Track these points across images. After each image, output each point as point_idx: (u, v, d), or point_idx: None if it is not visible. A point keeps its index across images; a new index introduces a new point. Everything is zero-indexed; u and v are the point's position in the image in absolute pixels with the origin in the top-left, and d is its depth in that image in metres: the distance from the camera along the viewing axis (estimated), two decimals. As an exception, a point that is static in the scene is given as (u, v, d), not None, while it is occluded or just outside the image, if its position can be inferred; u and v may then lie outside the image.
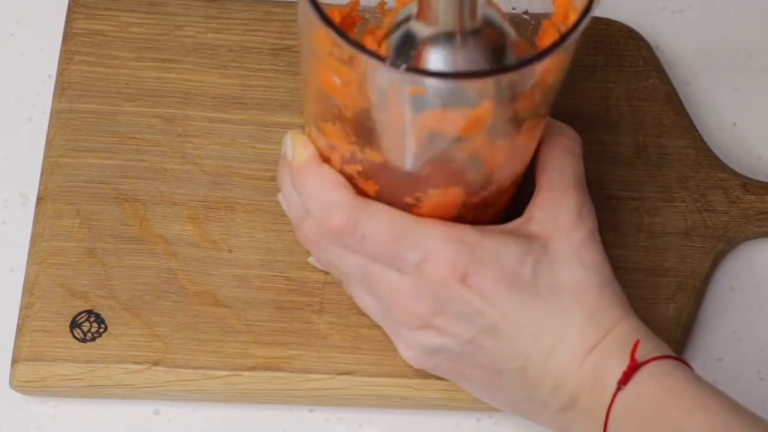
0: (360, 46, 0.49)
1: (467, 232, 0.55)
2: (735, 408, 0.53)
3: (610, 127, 0.67)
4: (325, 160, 0.57)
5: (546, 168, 0.58)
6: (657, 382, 0.54)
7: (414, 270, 0.55)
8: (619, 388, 0.54)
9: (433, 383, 0.62)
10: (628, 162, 0.66)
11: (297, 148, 0.57)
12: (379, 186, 0.56)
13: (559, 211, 0.57)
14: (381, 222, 0.55)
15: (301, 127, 0.59)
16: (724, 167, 0.67)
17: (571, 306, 0.56)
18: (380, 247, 0.55)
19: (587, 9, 0.51)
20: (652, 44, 0.70)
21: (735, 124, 0.70)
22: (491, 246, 0.55)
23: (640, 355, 0.54)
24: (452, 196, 0.56)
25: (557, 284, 0.56)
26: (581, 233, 0.57)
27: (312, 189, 0.56)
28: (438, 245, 0.55)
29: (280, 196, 0.61)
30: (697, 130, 0.68)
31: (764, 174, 0.68)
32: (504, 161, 0.56)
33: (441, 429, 0.63)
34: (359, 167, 0.55)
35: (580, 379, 0.55)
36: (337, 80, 0.52)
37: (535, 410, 0.57)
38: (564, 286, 0.56)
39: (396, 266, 0.56)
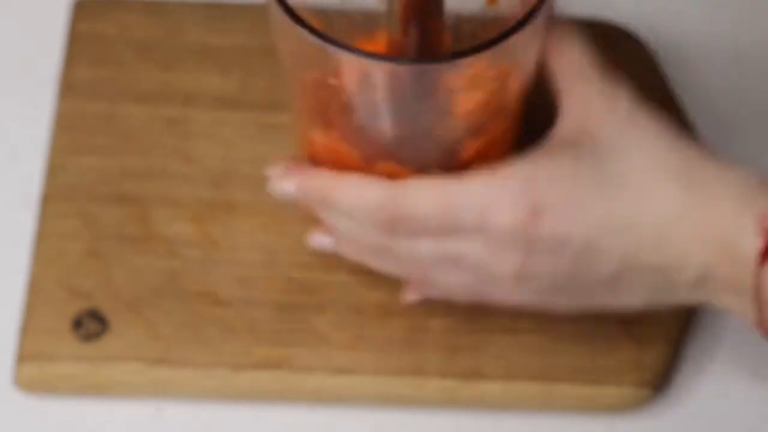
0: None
1: (506, 170, 0.52)
2: None
3: (609, 128, 0.67)
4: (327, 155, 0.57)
5: (558, 72, 0.54)
6: None
7: (480, 230, 0.52)
8: (762, 264, 0.49)
9: (432, 383, 0.62)
10: (627, 162, 0.67)
11: (307, 180, 0.56)
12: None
13: (587, 106, 0.53)
14: (425, 195, 0.53)
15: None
16: (722, 168, 0.67)
17: (655, 178, 0.51)
18: (436, 219, 0.52)
19: None
20: (651, 45, 0.70)
21: (734, 125, 0.70)
22: (540, 168, 0.52)
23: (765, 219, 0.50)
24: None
25: (627, 168, 0.52)
26: (622, 104, 0.53)
27: (344, 203, 0.55)
28: (488, 196, 0.52)
29: (314, 240, 0.60)
30: (696, 131, 0.68)
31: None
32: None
33: (441, 429, 0.63)
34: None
35: (705, 249, 0.51)
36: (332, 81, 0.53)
37: (670, 294, 0.54)
38: (638, 164, 0.52)
39: (463, 234, 0.53)
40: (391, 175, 0.55)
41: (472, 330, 0.63)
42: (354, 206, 0.55)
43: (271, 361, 0.62)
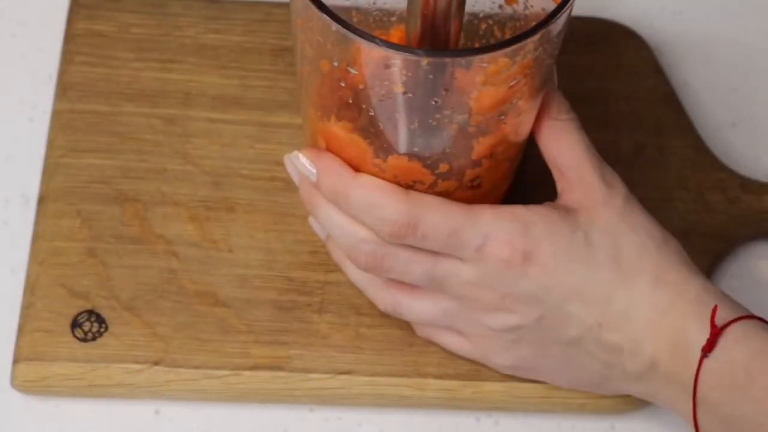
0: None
1: (516, 209, 0.56)
2: None
3: (609, 127, 0.67)
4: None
5: (554, 154, 0.58)
6: (744, 346, 0.54)
7: (476, 256, 0.56)
8: (704, 356, 0.54)
9: (432, 383, 0.62)
10: (627, 162, 0.67)
11: (324, 167, 0.57)
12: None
13: (586, 187, 0.57)
14: (438, 216, 0.56)
15: (301, 128, 0.59)
16: (722, 167, 0.67)
17: (633, 271, 0.56)
18: (441, 240, 0.56)
19: None
20: (651, 45, 0.70)
21: (734, 125, 0.70)
22: (541, 221, 0.56)
23: (718, 319, 0.54)
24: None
25: (614, 251, 0.56)
26: (618, 200, 0.57)
27: (359, 201, 0.56)
28: (493, 228, 0.55)
29: (313, 224, 0.61)
30: (696, 131, 0.68)
31: (763, 174, 0.68)
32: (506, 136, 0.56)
33: (441, 429, 0.63)
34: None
35: (657, 342, 0.55)
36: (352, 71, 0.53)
37: (617, 380, 0.58)
38: (622, 252, 0.56)
39: (458, 255, 0.56)
40: (402, 171, 0.56)
41: (472, 330, 0.63)
42: (370, 205, 0.56)
43: (270, 361, 0.61)
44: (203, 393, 0.62)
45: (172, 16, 0.69)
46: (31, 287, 0.63)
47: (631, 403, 0.62)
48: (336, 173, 0.56)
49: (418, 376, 0.62)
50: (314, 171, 0.57)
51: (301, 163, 0.58)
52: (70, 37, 0.68)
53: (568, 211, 0.57)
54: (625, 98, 0.68)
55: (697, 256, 0.65)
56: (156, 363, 0.61)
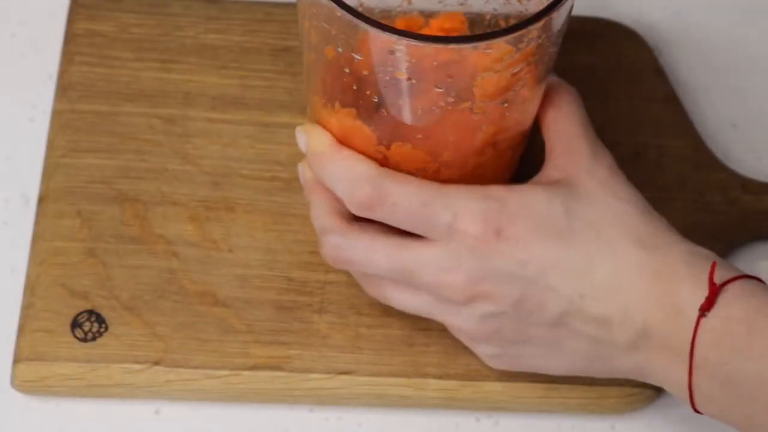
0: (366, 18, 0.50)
1: (493, 189, 0.56)
2: None
3: (610, 128, 0.67)
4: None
5: (551, 123, 0.58)
6: (744, 302, 0.53)
7: (447, 233, 0.55)
8: (702, 315, 0.53)
9: (432, 383, 0.62)
10: (627, 162, 0.66)
11: (313, 137, 0.57)
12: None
13: (574, 156, 0.57)
14: (410, 188, 0.55)
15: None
16: (723, 167, 0.67)
17: (617, 238, 0.55)
18: (411, 213, 0.55)
19: None
20: (651, 45, 0.70)
21: (734, 125, 0.70)
22: (519, 197, 0.55)
23: (716, 277, 0.53)
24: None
25: (596, 220, 0.55)
26: (603, 169, 0.57)
27: (335, 170, 0.56)
28: (467, 203, 0.55)
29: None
30: (696, 131, 0.68)
31: (763, 174, 0.68)
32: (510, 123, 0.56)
33: (441, 429, 0.63)
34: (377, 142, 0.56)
35: (648, 309, 0.54)
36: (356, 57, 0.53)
37: (607, 356, 0.56)
38: (604, 220, 0.55)
39: (428, 233, 0.55)
40: (406, 158, 0.56)
41: (472, 330, 0.63)
42: (342, 177, 0.56)
43: (270, 361, 0.62)
44: (203, 393, 0.62)
45: (172, 16, 0.69)
46: (31, 287, 0.63)
47: (631, 403, 0.62)
48: (320, 144, 0.57)
49: (417, 376, 0.62)
50: (304, 141, 0.58)
51: (300, 134, 0.58)
52: (70, 37, 0.68)
53: (548, 184, 0.56)
54: (625, 98, 0.68)
55: (697, 256, 0.65)
56: (156, 363, 0.61)
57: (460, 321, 0.58)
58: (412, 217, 0.55)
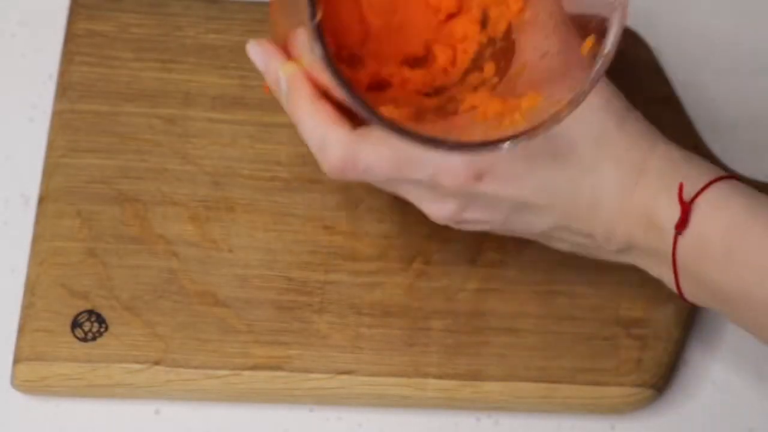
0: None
1: None
2: None
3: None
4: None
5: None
6: (716, 218, 0.53)
7: (429, 183, 0.55)
8: (678, 233, 0.54)
9: (432, 383, 0.62)
10: (627, 162, 0.67)
11: (292, 83, 0.56)
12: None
13: None
14: (381, 152, 0.55)
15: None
16: (722, 167, 0.67)
17: (595, 157, 0.55)
18: (387, 175, 0.55)
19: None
20: (652, 45, 0.70)
21: (734, 125, 0.70)
22: None
23: (686, 192, 0.54)
24: None
25: (573, 140, 0.55)
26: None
27: (306, 130, 0.55)
28: (439, 161, 0.54)
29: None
30: (696, 131, 0.68)
31: (763, 174, 0.68)
32: None
33: (441, 429, 0.63)
34: None
35: (629, 224, 0.55)
36: None
37: (594, 253, 0.58)
38: (581, 139, 0.55)
39: (407, 193, 0.56)
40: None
41: (472, 330, 0.63)
42: (316, 136, 0.55)
43: (270, 361, 0.62)
44: (203, 393, 0.62)
45: (172, 16, 0.69)
46: (31, 287, 0.63)
47: (631, 404, 0.62)
48: (299, 94, 0.55)
49: (418, 376, 0.62)
50: (284, 87, 0.56)
51: (267, 57, 0.57)
52: (70, 37, 0.68)
53: None
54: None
55: (697, 256, 0.65)
56: (156, 363, 0.61)
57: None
58: (387, 178, 0.55)
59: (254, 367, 0.61)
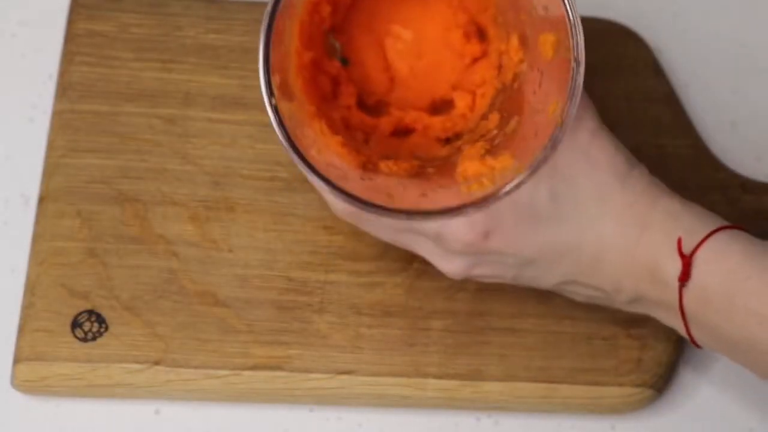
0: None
1: None
2: None
3: (609, 128, 0.67)
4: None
5: None
6: (716, 269, 0.54)
7: (436, 241, 0.56)
8: (683, 285, 0.55)
9: (432, 383, 0.62)
10: (627, 162, 0.67)
11: None
12: None
13: None
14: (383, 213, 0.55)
15: None
16: (722, 167, 0.67)
17: (598, 214, 0.56)
18: (394, 227, 0.57)
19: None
20: (651, 45, 0.70)
21: (734, 125, 0.70)
22: None
23: (687, 245, 0.55)
24: None
25: (578, 198, 0.56)
26: (583, 135, 0.57)
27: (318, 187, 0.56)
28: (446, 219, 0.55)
29: None
30: (695, 131, 0.68)
31: (763, 174, 0.68)
32: None
33: (441, 429, 0.63)
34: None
35: (636, 278, 0.56)
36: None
37: (609, 304, 0.59)
38: (585, 197, 0.56)
39: (418, 241, 0.57)
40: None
41: (472, 330, 0.63)
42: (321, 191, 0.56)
43: (270, 361, 0.62)
44: (203, 393, 0.62)
45: (172, 16, 0.69)
46: (31, 287, 0.63)
47: (631, 404, 0.62)
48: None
49: (418, 376, 0.62)
50: None
51: None
52: (70, 37, 0.68)
53: None
54: (625, 98, 0.68)
55: (697, 256, 0.65)
56: (156, 363, 0.61)
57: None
58: (396, 234, 0.57)
59: (254, 367, 0.61)
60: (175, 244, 0.64)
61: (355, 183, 0.53)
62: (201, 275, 0.63)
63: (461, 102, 0.59)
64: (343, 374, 0.62)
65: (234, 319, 0.62)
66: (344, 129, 0.58)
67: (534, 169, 0.52)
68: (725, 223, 0.56)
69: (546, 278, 0.58)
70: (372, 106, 0.60)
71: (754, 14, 0.72)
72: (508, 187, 0.52)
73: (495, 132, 0.57)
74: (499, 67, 0.59)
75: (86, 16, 0.69)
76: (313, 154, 0.52)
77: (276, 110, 0.51)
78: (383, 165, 0.56)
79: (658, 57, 0.70)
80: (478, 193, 0.52)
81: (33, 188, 0.66)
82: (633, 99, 0.68)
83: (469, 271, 0.58)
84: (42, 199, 0.65)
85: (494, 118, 0.58)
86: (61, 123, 0.66)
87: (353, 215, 0.57)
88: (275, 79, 0.52)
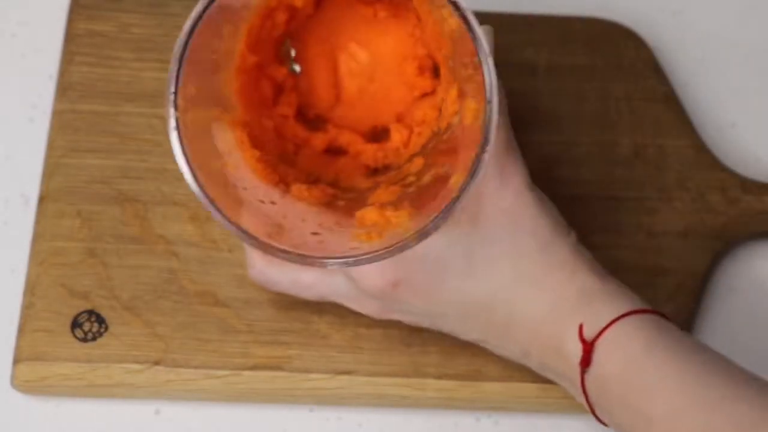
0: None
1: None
2: (697, 380, 0.52)
3: (609, 128, 0.67)
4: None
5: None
6: (616, 358, 0.53)
7: (350, 280, 0.56)
8: (584, 371, 0.54)
9: (432, 383, 0.62)
10: (627, 162, 0.67)
11: None
12: None
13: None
14: (283, 269, 0.58)
15: None
16: (722, 167, 0.67)
17: (513, 278, 0.55)
18: (287, 288, 0.59)
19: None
20: (651, 45, 0.70)
21: (734, 125, 0.70)
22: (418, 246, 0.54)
23: (590, 330, 0.54)
24: None
25: (493, 259, 0.55)
26: (510, 195, 0.55)
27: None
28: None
29: None
30: (695, 131, 0.68)
31: (763, 174, 0.68)
32: None
33: (440, 429, 0.63)
34: None
35: (542, 349, 0.56)
36: None
37: (521, 363, 0.58)
38: (501, 259, 0.55)
39: (329, 295, 0.58)
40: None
41: (472, 330, 0.63)
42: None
43: (270, 361, 0.62)
44: (203, 393, 0.62)
45: (172, 16, 0.69)
46: (31, 287, 0.63)
47: (631, 403, 0.62)
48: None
49: (417, 376, 0.62)
50: None
51: None
52: (70, 37, 0.68)
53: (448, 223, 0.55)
54: (625, 98, 0.68)
55: (697, 256, 0.65)
56: (156, 363, 0.61)
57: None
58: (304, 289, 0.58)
59: (254, 367, 0.61)
60: (175, 244, 0.64)
61: (251, 207, 0.53)
62: (201, 275, 0.63)
63: (397, 135, 0.59)
64: (343, 374, 0.62)
65: (234, 319, 0.62)
66: (273, 139, 0.58)
67: (420, 238, 0.50)
68: (637, 306, 0.55)
69: (461, 333, 0.58)
70: (310, 119, 0.60)
71: (753, 14, 0.72)
72: (386, 252, 0.50)
73: (412, 179, 0.56)
74: (440, 111, 0.58)
75: (86, 16, 0.69)
76: (208, 169, 0.51)
77: (177, 121, 0.51)
78: (295, 188, 0.55)
79: (658, 57, 0.70)
80: (363, 245, 0.51)
81: (33, 188, 0.66)
82: (633, 99, 0.68)
83: (385, 314, 0.58)
84: (42, 199, 0.65)
85: (418, 162, 0.57)
86: (61, 123, 0.66)
87: (260, 278, 0.59)
88: (188, 91, 0.51)
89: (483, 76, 0.50)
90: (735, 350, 0.65)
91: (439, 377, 0.62)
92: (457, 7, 0.50)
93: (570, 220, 0.59)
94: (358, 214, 0.54)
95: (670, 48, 0.71)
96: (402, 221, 0.52)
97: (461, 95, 0.54)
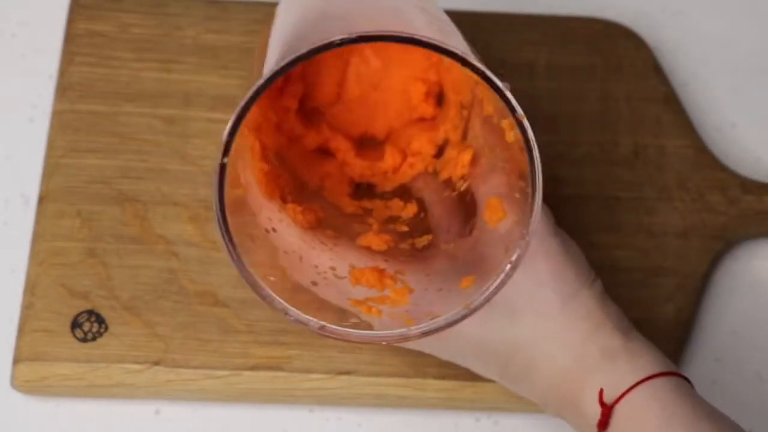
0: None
1: None
2: None
3: (610, 128, 0.67)
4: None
5: (486, 183, 0.55)
6: (633, 425, 0.53)
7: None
8: None
9: (432, 383, 0.62)
10: (627, 162, 0.67)
11: None
12: None
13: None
14: None
15: None
16: (722, 167, 0.67)
17: (534, 330, 0.54)
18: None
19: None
20: (651, 45, 0.70)
21: (734, 125, 0.70)
22: None
23: (610, 393, 0.53)
24: None
25: (515, 309, 0.54)
26: (532, 242, 0.53)
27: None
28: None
29: None
30: (696, 131, 0.68)
31: (763, 174, 0.68)
32: None
33: (440, 429, 0.63)
34: None
35: (559, 405, 0.55)
36: None
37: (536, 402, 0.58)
38: (523, 312, 0.54)
39: None
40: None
41: (472, 330, 0.63)
42: None
43: (270, 361, 0.62)
44: (203, 393, 0.62)
45: (172, 16, 0.69)
46: (31, 287, 0.63)
47: (631, 403, 0.62)
48: None
49: (417, 376, 0.62)
50: None
51: None
52: (70, 37, 0.68)
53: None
54: (625, 98, 0.68)
55: (697, 256, 0.65)
56: (156, 363, 0.61)
57: None
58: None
59: (254, 367, 0.61)
60: (175, 244, 0.64)
61: (257, 240, 0.52)
62: (201, 275, 0.63)
63: (390, 158, 0.59)
64: (343, 374, 0.62)
65: (234, 319, 0.62)
66: (273, 133, 0.58)
67: (425, 334, 0.48)
68: (659, 367, 0.54)
69: (480, 372, 0.57)
70: (308, 111, 0.60)
71: (753, 14, 0.72)
72: (381, 340, 0.49)
73: (405, 229, 0.56)
74: (438, 152, 0.58)
75: (86, 16, 0.69)
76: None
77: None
78: (290, 208, 0.55)
79: (658, 57, 0.70)
80: (359, 321, 0.50)
81: (33, 188, 0.66)
82: (633, 99, 0.68)
83: (408, 345, 0.57)
84: (42, 199, 0.65)
85: (411, 207, 0.57)
86: (61, 123, 0.66)
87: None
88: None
89: (535, 183, 0.48)
90: (735, 350, 0.65)
91: (440, 377, 0.62)
92: (521, 126, 0.48)
93: (570, 220, 0.58)
94: (354, 272, 0.53)
95: (670, 48, 0.71)
96: (400, 302, 0.52)
97: (475, 163, 0.54)
